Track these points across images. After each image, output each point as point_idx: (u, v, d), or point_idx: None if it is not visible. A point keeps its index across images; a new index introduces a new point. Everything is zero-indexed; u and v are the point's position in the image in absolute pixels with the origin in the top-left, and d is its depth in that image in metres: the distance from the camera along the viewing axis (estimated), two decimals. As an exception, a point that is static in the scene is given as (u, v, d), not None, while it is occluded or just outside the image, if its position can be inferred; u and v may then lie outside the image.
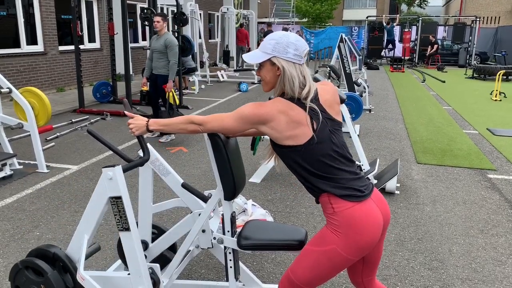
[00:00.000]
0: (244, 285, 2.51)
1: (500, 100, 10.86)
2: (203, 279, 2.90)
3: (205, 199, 2.40)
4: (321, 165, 1.76)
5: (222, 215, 2.19)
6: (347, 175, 1.79)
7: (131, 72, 9.17)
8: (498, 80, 11.27)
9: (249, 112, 1.77)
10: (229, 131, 1.89)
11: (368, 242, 1.73)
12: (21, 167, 4.93)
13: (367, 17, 22.91)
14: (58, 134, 6.26)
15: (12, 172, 4.73)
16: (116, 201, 1.96)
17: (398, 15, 24.35)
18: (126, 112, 2.14)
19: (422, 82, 14.75)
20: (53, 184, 4.53)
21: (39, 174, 4.80)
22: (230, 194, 2.07)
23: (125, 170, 2.02)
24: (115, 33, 8.68)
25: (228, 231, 2.17)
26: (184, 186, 2.36)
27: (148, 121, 2.01)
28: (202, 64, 13.51)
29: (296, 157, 1.78)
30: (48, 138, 5.95)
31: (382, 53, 21.34)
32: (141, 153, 2.41)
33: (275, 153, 1.91)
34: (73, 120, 7.16)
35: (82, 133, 6.59)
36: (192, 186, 2.38)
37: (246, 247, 2.07)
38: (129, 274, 2.03)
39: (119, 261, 2.73)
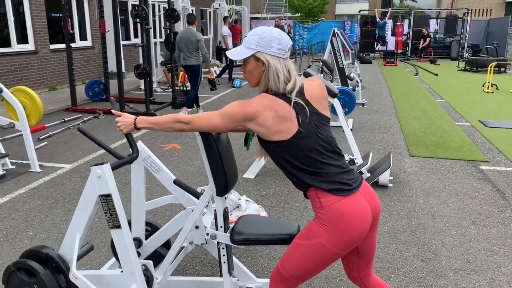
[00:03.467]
0: (238, 280, 2.51)
1: (492, 92, 10.92)
2: (197, 275, 2.91)
3: (197, 195, 2.40)
4: (307, 160, 1.76)
5: (215, 210, 2.19)
6: (334, 169, 1.79)
7: (123, 70, 9.13)
8: (490, 72, 11.34)
9: (235, 110, 1.77)
10: (216, 130, 1.89)
11: (355, 236, 1.73)
12: (14, 167, 4.91)
13: (359, 11, 22.93)
14: (50, 133, 6.20)
15: (5, 172, 4.71)
16: (106, 199, 1.95)
17: (390, 8, 24.38)
18: (113, 111, 2.10)
19: (415, 75, 14.80)
20: (46, 184, 4.51)
21: (32, 174, 4.78)
22: (222, 189, 2.07)
23: (113, 168, 2.01)
24: (106, 30, 8.63)
25: (221, 227, 2.17)
26: (176, 182, 2.36)
27: (136, 118, 2.00)
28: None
29: (282, 152, 1.78)
30: (40, 138, 5.90)
31: (376, 48, 21.36)
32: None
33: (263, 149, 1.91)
34: (65, 119, 7.09)
35: (75, 132, 6.55)
36: (185, 182, 2.38)
37: (239, 242, 2.08)
38: (122, 271, 2.03)
39: (113, 259, 2.73)
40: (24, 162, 5.04)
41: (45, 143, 5.60)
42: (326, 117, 1.87)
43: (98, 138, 2.27)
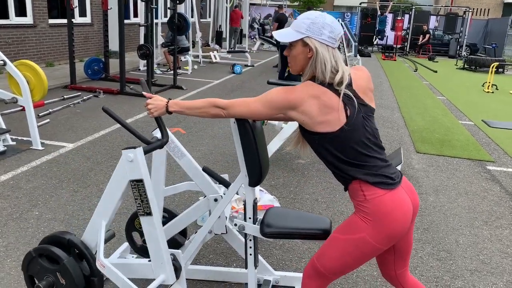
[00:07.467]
0: (256, 272, 2.45)
1: (492, 92, 10.94)
2: (211, 264, 2.84)
3: (227, 184, 2.32)
4: (353, 153, 1.70)
5: (244, 201, 2.11)
6: (379, 162, 1.74)
7: (124, 49, 8.91)
8: (491, 72, 11.34)
9: (278, 96, 1.69)
10: (255, 116, 1.80)
11: (398, 230, 1.69)
12: (14, 143, 4.76)
13: (360, 4, 22.77)
14: (50, 110, 6.05)
15: (5, 148, 4.56)
16: (137, 184, 1.86)
17: (391, 2, 24.24)
18: (144, 93, 1.99)
19: (414, 71, 14.78)
20: (49, 162, 4.38)
21: (34, 151, 4.63)
22: (255, 180, 1.99)
23: (145, 152, 1.92)
24: (109, 8, 8.41)
25: (250, 218, 2.09)
26: (205, 170, 2.27)
27: (168, 101, 1.89)
28: (194, 44, 13.26)
29: (327, 144, 1.71)
30: (40, 114, 5.75)
31: (374, 42, 21.30)
32: (157, 134, 2.31)
33: (301, 140, 1.85)
34: (65, 97, 6.95)
35: (76, 110, 6.40)
36: (213, 170, 2.29)
37: (269, 235, 2.01)
38: (149, 260, 1.95)
39: (125, 245, 2.63)
40: (25, 138, 4.89)
41: (48, 120, 5.46)
42: (373, 108, 1.80)
43: (122, 118, 2.16)
